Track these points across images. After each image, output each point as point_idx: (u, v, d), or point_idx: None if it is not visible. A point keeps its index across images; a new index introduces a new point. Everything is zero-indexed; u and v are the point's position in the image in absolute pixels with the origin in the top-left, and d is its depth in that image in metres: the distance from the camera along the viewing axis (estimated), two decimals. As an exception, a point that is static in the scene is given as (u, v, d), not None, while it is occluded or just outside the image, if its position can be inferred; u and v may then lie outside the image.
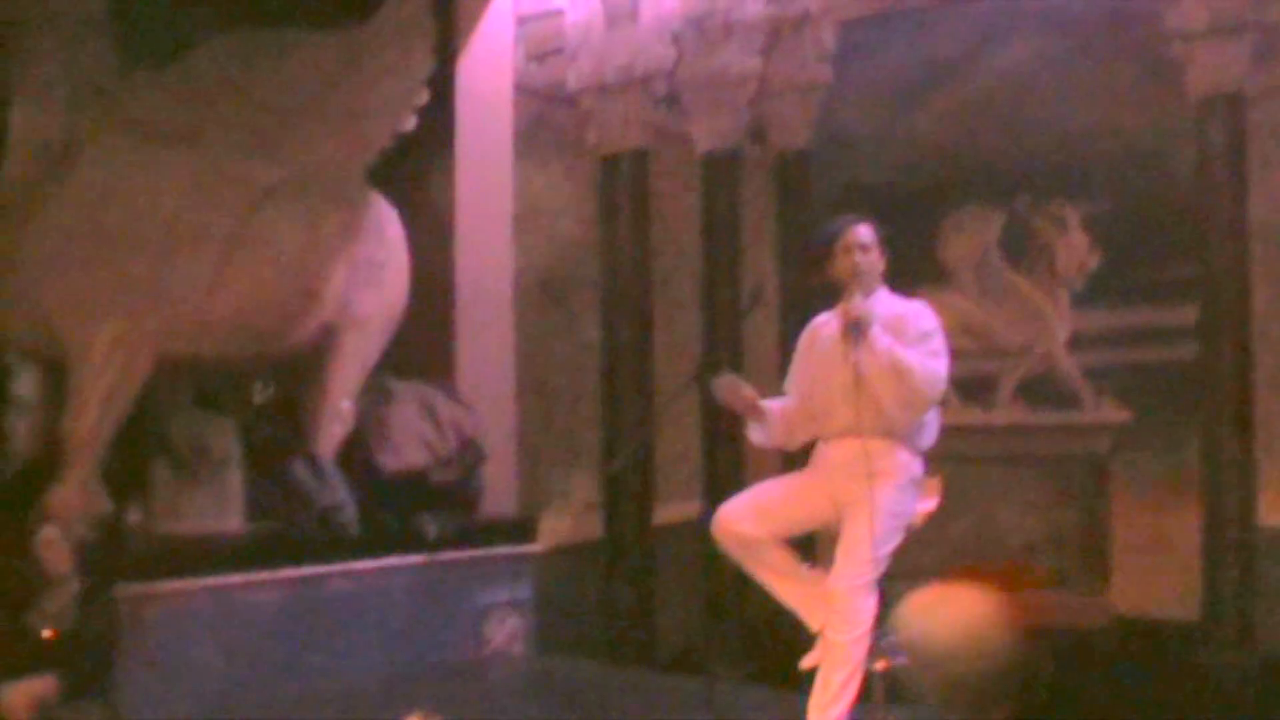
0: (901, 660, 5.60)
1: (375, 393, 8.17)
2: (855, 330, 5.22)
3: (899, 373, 5.17)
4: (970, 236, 7.76)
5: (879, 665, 5.56)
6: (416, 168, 8.62)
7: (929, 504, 5.61)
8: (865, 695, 5.38)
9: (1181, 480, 7.01)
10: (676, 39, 8.65)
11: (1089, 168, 7.29)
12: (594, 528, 8.91)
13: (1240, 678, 6.66)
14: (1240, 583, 6.77)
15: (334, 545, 7.50)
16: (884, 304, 5.43)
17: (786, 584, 5.55)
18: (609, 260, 8.95)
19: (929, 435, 5.50)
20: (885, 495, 5.34)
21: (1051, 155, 7.40)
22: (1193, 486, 6.95)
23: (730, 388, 5.51)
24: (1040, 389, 7.53)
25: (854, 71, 8.15)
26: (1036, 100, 7.43)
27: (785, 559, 5.55)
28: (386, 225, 8.22)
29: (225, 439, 7.61)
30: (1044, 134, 7.41)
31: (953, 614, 2.88)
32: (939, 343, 5.33)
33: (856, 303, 5.27)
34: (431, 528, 7.99)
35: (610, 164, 8.93)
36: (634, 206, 8.89)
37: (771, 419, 5.62)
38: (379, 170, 8.07)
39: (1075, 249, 7.38)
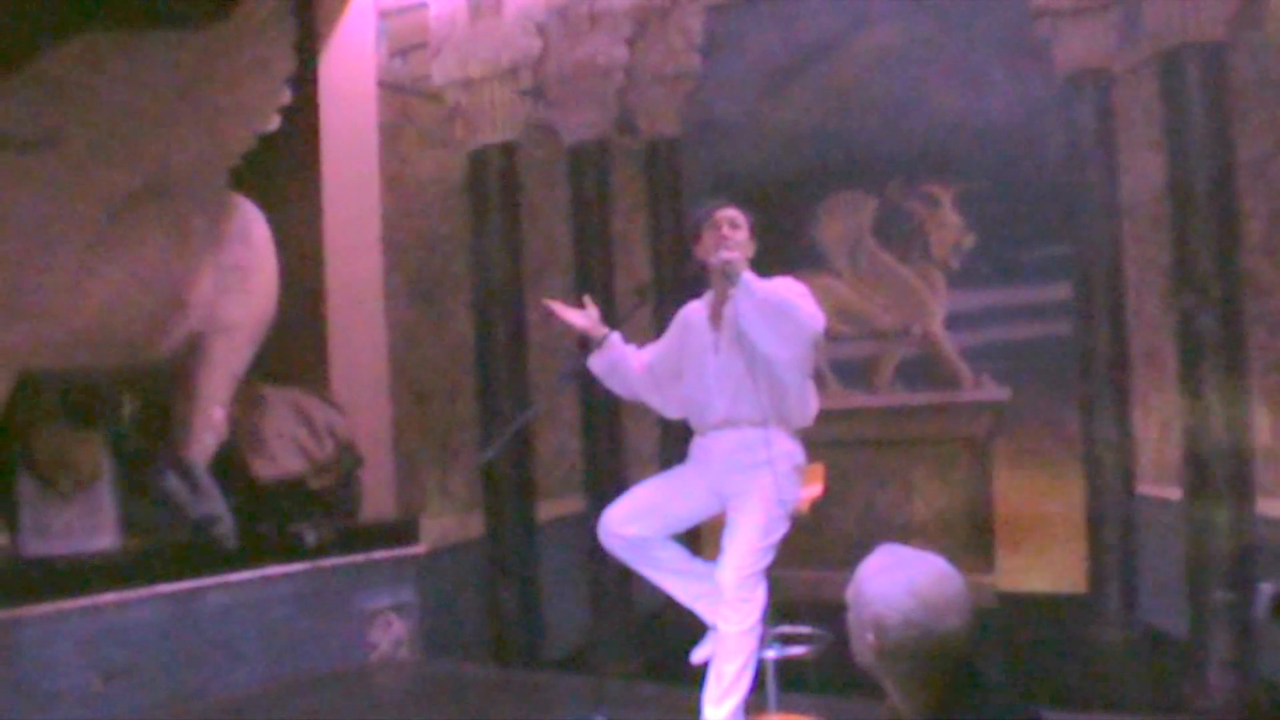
0: (794, 650, 5.65)
1: (248, 400, 8.02)
2: (728, 277, 5.16)
3: (777, 304, 5.10)
4: (843, 221, 7.76)
5: (770, 654, 5.58)
6: (281, 169, 8.47)
7: (813, 490, 5.60)
8: (758, 685, 5.38)
9: (1061, 456, 7.08)
10: (542, 30, 8.57)
11: (961, 149, 7.32)
12: (476, 527, 8.81)
13: (1126, 650, 6.75)
14: (1123, 554, 6.87)
15: (211, 557, 7.37)
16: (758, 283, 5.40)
17: (678, 581, 5.52)
18: (480, 256, 8.84)
19: (807, 419, 5.48)
20: (769, 484, 5.32)
21: (923, 137, 7.42)
22: (1074, 461, 7.02)
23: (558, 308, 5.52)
24: (920, 370, 7.55)
25: (722, 59, 8.11)
26: (906, 83, 7.44)
27: (674, 556, 5.52)
28: (252, 229, 8.07)
29: (94, 453, 7.42)
30: (915, 116, 7.42)
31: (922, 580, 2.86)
32: (812, 304, 5.30)
33: (725, 251, 5.21)
34: (310, 534, 7.89)
35: (478, 158, 8.82)
36: (503, 201, 8.80)
37: (613, 347, 5.61)
38: (243, 172, 7.92)
39: (949, 230, 7.41)
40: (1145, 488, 6.83)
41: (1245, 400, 6.53)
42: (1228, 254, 6.59)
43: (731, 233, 5.35)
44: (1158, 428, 6.79)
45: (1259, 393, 6.51)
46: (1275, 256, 6.50)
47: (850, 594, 2.94)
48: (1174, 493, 6.68)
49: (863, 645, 2.90)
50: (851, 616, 2.93)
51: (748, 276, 5.13)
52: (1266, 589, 3.14)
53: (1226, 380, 6.56)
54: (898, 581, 2.86)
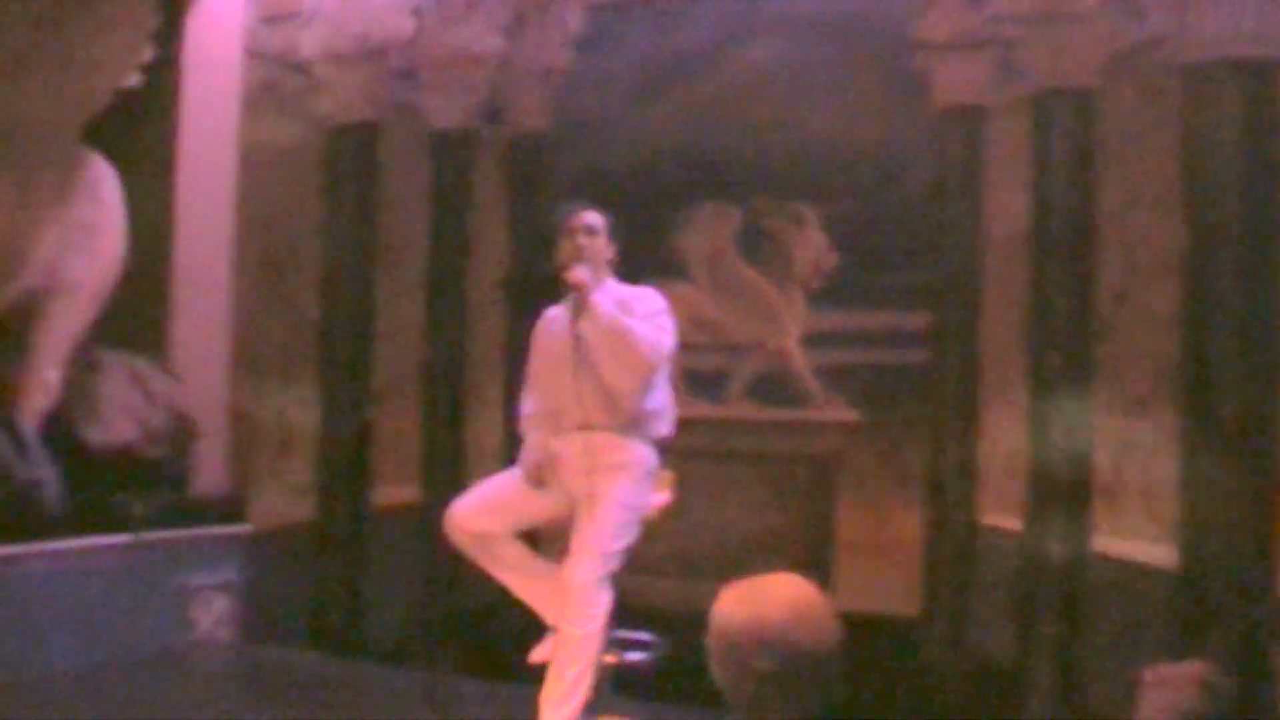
0: (633, 656, 5.63)
1: (83, 363, 7.76)
2: (576, 297, 5.17)
3: (620, 335, 5.13)
4: (707, 231, 7.78)
5: (610, 659, 5.55)
6: (137, 128, 8.21)
7: (663, 497, 5.60)
8: (596, 689, 5.35)
9: (905, 480, 7.17)
10: (416, 12, 8.45)
11: (829, 171, 7.39)
12: (307, 509, 8.66)
13: (954, 674, 6.85)
14: (959, 581, 6.97)
15: (33, 523, 7.10)
16: (611, 290, 5.39)
17: (522, 579, 5.47)
18: (331, 236, 8.70)
19: (664, 426, 5.48)
20: (620, 489, 5.33)
21: (792, 156, 7.48)
22: (916, 487, 7.11)
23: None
24: (771, 387, 7.61)
25: (597, 58, 8.09)
26: (778, 101, 7.49)
27: (520, 554, 5.48)
28: (102, 187, 7.80)
29: (-84, 407, 7.12)
30: (785, 135, 7.48)
31: (783, 604, 2.84)
32: (666, 321, 5.32)
33: (577, 270, 5.21)
34: (137, 506, 7.66)
35: (339, 135, 8.67)
36: (360, 181, 8.68)
37: (533, 437, 5.54)
38: (97, 128, 7.67)
39: (812, 249, 7.47)
40: (988, 518, 6.95)
41: (1089, 438, 6.67)
42: (1082, 295, 6.73)
43: (587, 241, 5.33)
44: (1003, 459, 6.91)
45: (1103, 433, 6.66)
46: (1127, 302, 6.65)
47: (723, 623, 2.90)
48: (1014, 523, 6.81)
49: (734, 673, 2.87)
50: (719, 645, 2.90)
51: (595, 301, 5.14)
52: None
53: (1071, 418, 6.69)
54: (767, 606, 2.84)
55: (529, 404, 5.62)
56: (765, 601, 2.84)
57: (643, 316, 5.29)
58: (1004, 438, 6.92)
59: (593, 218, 5.39)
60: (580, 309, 5.20)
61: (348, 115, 8.63)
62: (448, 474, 8.27)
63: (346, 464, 8.56)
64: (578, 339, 5.26)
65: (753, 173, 7.60)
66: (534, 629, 5.52)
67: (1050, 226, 6.81)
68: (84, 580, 7.28)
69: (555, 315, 5.53)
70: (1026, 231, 6.88)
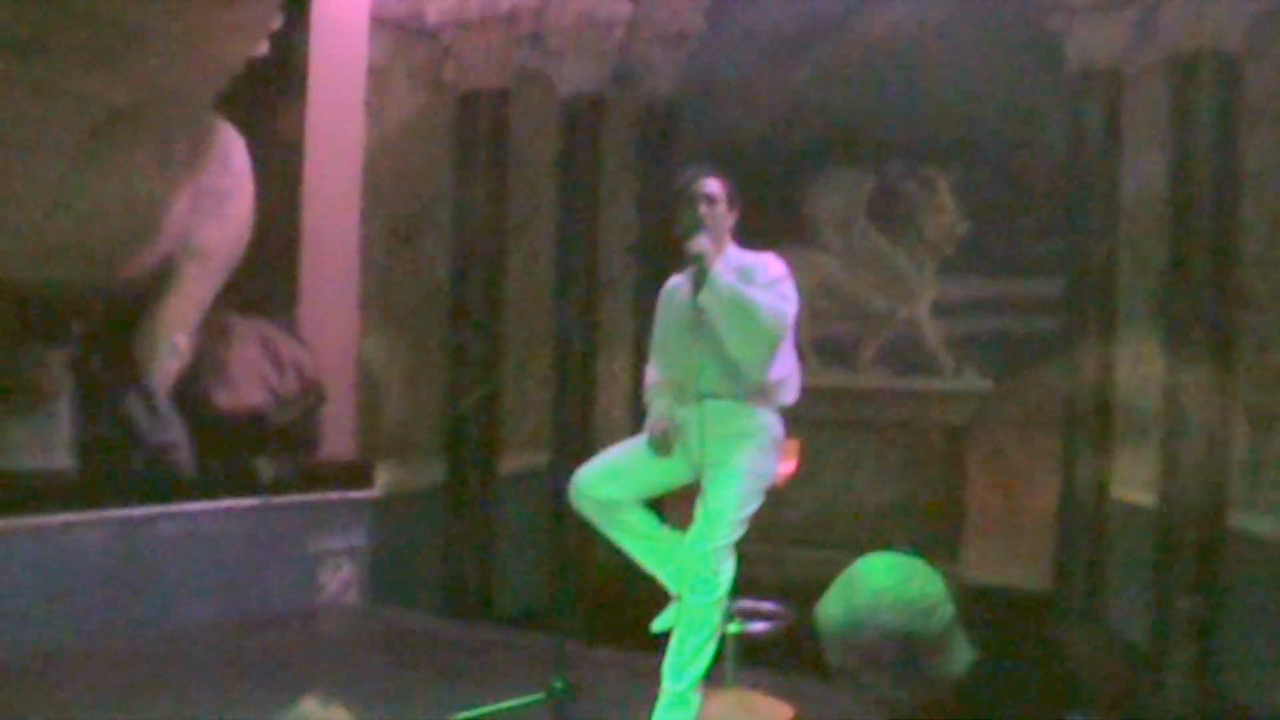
0: (757, 626, 5.58)
1: (214, 328, 7.88)
2: (697, 269, 5.10)
3: (742, 308, 5.07)
4: (838, 197, 7.66)
5: (733, 629, 5.51)
6: (267, 96, 8.31)
7: (789, 466, 5.54)
8: (718, 658, 5.31)
9: (1037, 451, 7.02)
10: (544, -23, 8.41)
11: (963, 135, 7.22)
12: (436, 475, 8.70)
13: (1086, 649, 6.70)
14: (1091, 557, 6.81)
15: (166, 486, 7.23)
16: (733, 256, 5.33)
17: (646, 546, 5.44)
18: (462, 202, 8.69)
19: (790, 393, 5.41)
20: (747, 457, 5.27)
21: (926, 120, 7.32)
22: (1049, 459, 6.96)
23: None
24: (902, 355, 7.48)
25: (728, 21, 7.97)
26: (910, 64, 7.33)
27: (644, 522, 5.45)
28: (233, 155, 7.91)
29: (54, 371, 7.25)
30: (919, 98, 7.32)
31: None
32: (787, 289, 5.25)
33: (698, 242, 5.15)
34: (267, 470, 7.77)
35: (468, 102, 8.66)
36: (491, 148, 8.65)
37: (658, 405, 5.51)
38: (228, 97, 7.76)
39: (944, 216, 7.32)
40: (1121, 491, 6.78)
41: (1227, 414, 6.48)
42: (1223, 265, 6.52)
43: (707, 209, 5.27)
44: (1135, 432, 6.74)
45: (1243, 405, 6.46)
46: (1270, 271, 6.44)
47: (821, 617, 2.91)
48: (1149, 498, 6.64)
49: (838, 662, 2.87)
50: (823, 640, 2.91)
51: (716, 274, 5.07)
52: None
53: (1210, 391, 6.50)
54: (856, 596, 2.86)
55: (653, 373, 5.58)
56: (855, 592, 2.85)
57: (764, 284, 5.22)
58: (1137, 409, 6.74)
59: (712, 185, 5.33)
60: (701, 281, 5.13)
61: (476, 82, 8.61)
62: (576, 441, 8.24)
63: (475, 430, 8.57)
64: (699, 311, 5.19)
65: (884, 137, 7.45)
66: (659, 597, 5.49)
67: (1190, 193, 6.58)
68: (214, 542, 7.41)
69: (678, 284, 5.48)
70: (1165, 198, 6.67)
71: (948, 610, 2.83)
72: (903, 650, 2.79)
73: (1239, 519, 6.38)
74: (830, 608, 2.87)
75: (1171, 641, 6.51)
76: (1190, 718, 6.41)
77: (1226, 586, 6.43)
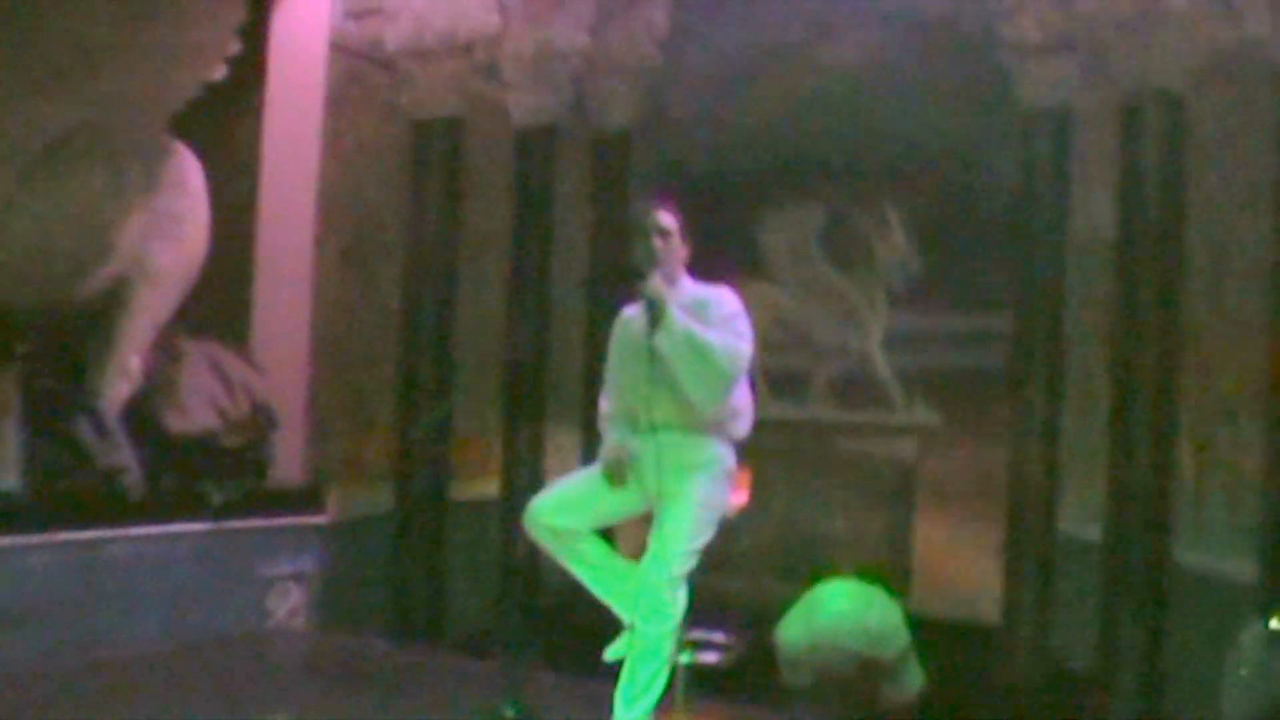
0: (708, 656, 5.61)
1: (165, 350, 7.85)
2: (651, 309, 5.13)
3: (697, 349, 5.10)
4: (790, 230, 7.72)
5: (684, 658, 5.54)
6: (223, 119, 8.31)
7: (740, 497, 5.58)
8: (669, 688, 5.34)
9: (986, 485, 7.09)
10: (502, 7, 8.44)
11: (915, 169, 7.31)
12: (386, 501, 8.69)
13: (1037, 681, 6.76)
14: (1040, 590, 6.88)
15: (115, 508, 7.19)
16: (687, 290, 5.36)
17: (599, 576, 5.46)
18: (415, 229, 8.72)
19: (743, 426, 5.45)
20: (700, 488, 5.30)
21: (878, 154, 7.40)
22: (997, 492, 7.03)
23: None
24: (852, 388, 7.54)
25: (683, 54, 8.04)
26: (866, 98, 7.41)
27: (598, 551, 5.47)
28: (188, 177, 7.89)
29: (2, 391, 7.20)
30: (872, 132, 7.39)
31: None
32: (742, 325, 5.28)
33: (653, 283, 5.18)
34: (217, 494, 7.74)
35: (424, 130, 8.69)
36: (445, 175, 8.68)
37: (612, 435, 5.53)
38: (184, 119, 7.76)
39: (895, 249, 7.40)
40: (1068, 525, 6.85)
41: (1172, 444, 6.58)
42: (1168, 299, 6.63)
43: (661, 243, 5.31)
44: (1084, 465, 6.82)
45: (1187, 439, 6.56)
46: (1216, 307, 6.55)
47: (781, 638, 2.96)
48: (1094, 532, 6.72)
49: (798, 680, 2.93)
50: (782, 660, 2.95)
51: (671, 316, 5.11)
52: None
53: (1156, 423, 6.61)
54: (817, 619, 2.91)
55: (607, 403, 5.61)
56: (816, 615, 2.91)
57: (719, 320, 5.26)
58: (1086, 443, 6.82)
59: (666, 218, 5.36)
60: (656, 320, 5.16)
61: (432, 110, 8.64)
62: (527, 469, 8.27)
63: (426, 456, 8.58)
64: (653, 349, 5.22)
65: (837, 170, 7.53)
66: (610, 624, 5.51)
67: (1138, 230, 6.70)
68: (163, 566, 7.37)
69: (632, 315, 5.51)
70: (1113, 235, 6.78)
71: (904, 637, 2.89)
72: (859, 673, 2.85)
73: (1182, 549, 6.47)
74: (791, 630, 2.93)
75: (1118, 668, 6.59)
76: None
77: (1171, 614, 6.51)
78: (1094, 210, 6.87)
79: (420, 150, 8.70)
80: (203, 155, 8.00)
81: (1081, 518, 6.87)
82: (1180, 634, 6.49)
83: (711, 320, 5.24)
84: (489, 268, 8.64)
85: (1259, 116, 6.53)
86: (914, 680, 2.86)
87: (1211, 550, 6.43)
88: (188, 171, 7.89)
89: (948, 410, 7.26)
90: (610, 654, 5.45)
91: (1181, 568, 6.51)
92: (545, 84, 8.38)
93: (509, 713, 5.48)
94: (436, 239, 8.65)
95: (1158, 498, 6.61)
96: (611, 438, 5.50)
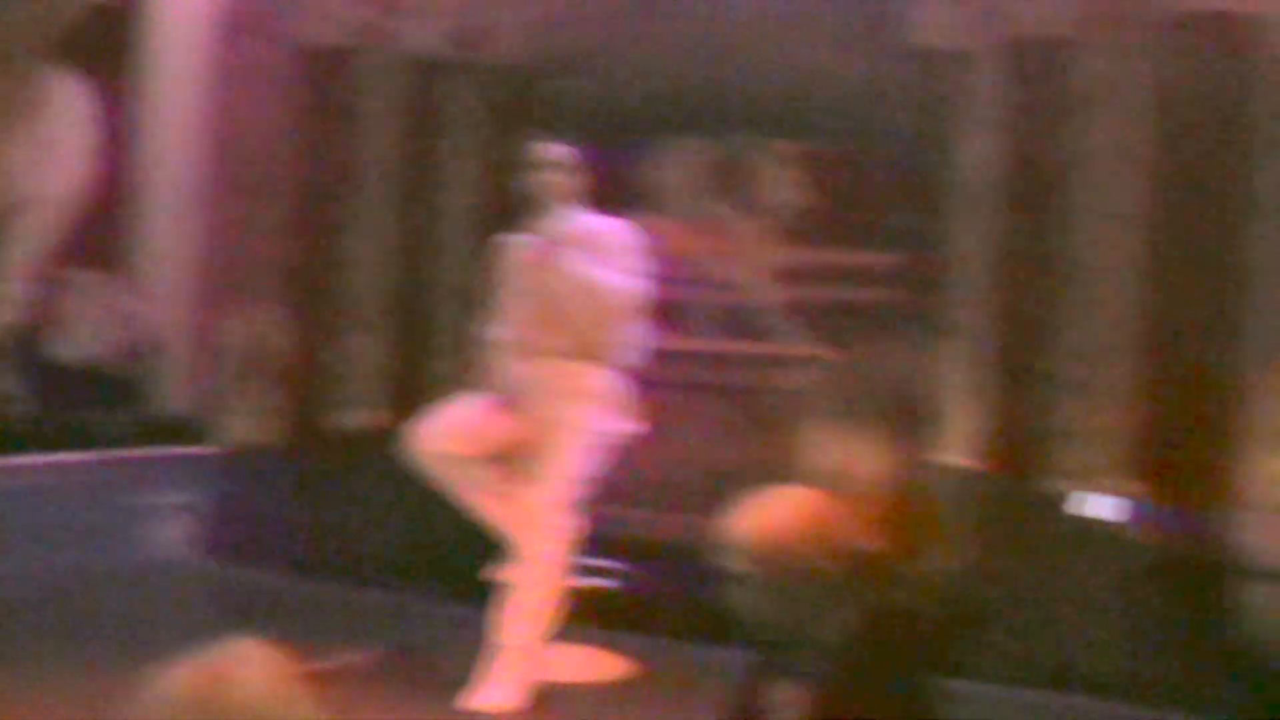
0: (598, 582, 5.70)
1: (49, 279, 7.76)
2: (540, 247, 5.24)
3: (588, 290, 5.21)
4: (683, 166, 7.76)
5: (573, 585, 5.61)
6: (107, 44, 8.16)
7: (630, 426, 5.67)
8: (560, 614, 5.42)
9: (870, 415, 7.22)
10: (393, -65, 8.36)
11: (808, 110, 7.35)
12: (275, 431, 8.65)
13: (920, 612, 6.89)
14: (922, 519, 7.03)
15: (1, 438, 7.12)
16: (583, 223, 5.44)
17: (488, 501, 5.54)
18: (304, 159, 8.63)
19: (632, 355, 5.54)
20: (586, 415, 5.40)
21: (771, 93, 7.42)
22: (881, 424, 7.16)
23: None
24: (741, 321, 7.62)
25: (580, -11, 8.02)
26: (760, 38, 7.41)
27: (486, 477, 5.55)
28: (71, 103, 7.78)
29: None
30: (766, 72, 7.41)
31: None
32: (632, 260, 5.37)
33: (547, 222, 5.29)
34: (104, 423, 7.68)
35: (311, 60, 8.59)
36: (335, 107, 8.58)
37: (502, 361, 5.61)
38: (67, 45, 7.63)
39: (786, 186, 7.47)
40: (946, 454, 7.01)
41: (1052, 382, 6.74)
42: (1051, 242, 6.78)
43: (553, 177, 5.38)
44: (962, 399, 6.98)
45: (1065, 376, 6.74)
46: (1094, 249, 6.71)
47: (748, 537, 2.99)
48: (971, 460, 6.90)
49: (761, 586, 2.94)
50: (748, 559, 2.98)
51: (561, 256, 5.19)
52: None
53: (1037, 362, 6.78)
54: (800, 518, 2.96)
55: (498, 329, 5.65)
56: (775, 514, 2.95)
57: (612, 254, 5.34)
58: (969, 380, 6.97)
59: (560, 152, 5.43)
60: (548, 258, 5.24)
61: (322, 39, 8.54)
62: (417, 398, 8.25)
63: (316, 387, 8.54)
64: (545, 283, 5.29)
65: (731, 109, 7.55)
66: (502, 552, 5.57)
67: (1020, 172, 6.84)
68: (50, 495, 7.31)
69: (523, 245, 5.56)
70: (997, 176, 6.91)
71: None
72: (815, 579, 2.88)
73: (1051, 482, 6.63)
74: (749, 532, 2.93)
75: (1000, 597, 6.78)
76: (1015, 669, 6.68)
77: (1050, 547, 6.69)
78: (981, 152, 6.99)
79: (308, 79, 8.61)
80: (87, 80, 7.89)
81: (964, 451, 7.02)
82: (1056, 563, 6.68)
83: (606, 253, 5.32)
84: (380, 200, 8.58)
85: (1141, 62, 6.68)
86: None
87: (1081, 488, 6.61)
88: (71, 97, 7.78)
89: (836, 343, 7.36)
90: (499, 577, 5.52)
91: (1050, 499, 6.68)
92: (435, 14, 8.31)
93: (407, 642, 5.53)
94: (324, 170, 8.57)
95: (1038, 433, 6.77)
96: (501, 363, 5.56)
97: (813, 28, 7.29)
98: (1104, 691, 6.24)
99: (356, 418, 8.53)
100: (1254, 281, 6.47)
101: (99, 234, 8.18)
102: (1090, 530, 3.05)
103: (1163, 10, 6.61)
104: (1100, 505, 3.05)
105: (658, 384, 6.58)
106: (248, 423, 8.65)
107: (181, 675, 1.94)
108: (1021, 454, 6.78)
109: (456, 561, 7.14)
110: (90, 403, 7.72)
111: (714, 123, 7.61)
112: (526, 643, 5.30)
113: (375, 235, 8.60)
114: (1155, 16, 6.63)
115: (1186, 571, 3.43)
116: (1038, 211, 6.82)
